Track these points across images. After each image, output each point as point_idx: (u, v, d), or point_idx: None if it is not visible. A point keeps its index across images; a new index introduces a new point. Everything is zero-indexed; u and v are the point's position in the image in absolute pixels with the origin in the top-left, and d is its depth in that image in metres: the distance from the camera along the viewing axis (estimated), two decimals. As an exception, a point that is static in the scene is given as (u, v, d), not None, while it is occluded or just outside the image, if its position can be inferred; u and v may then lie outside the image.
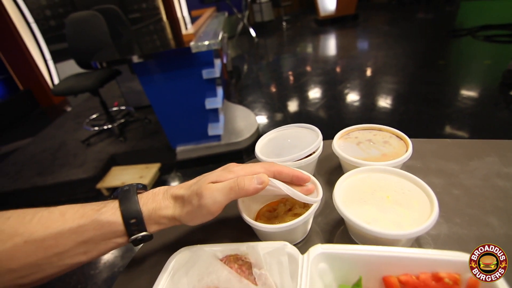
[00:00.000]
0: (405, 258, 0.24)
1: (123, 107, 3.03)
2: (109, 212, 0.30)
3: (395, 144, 0.40)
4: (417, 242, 0.31)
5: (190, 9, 5.47)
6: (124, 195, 0.31)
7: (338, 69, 3.69)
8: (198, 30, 2.03)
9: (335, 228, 0.35)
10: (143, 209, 0.31)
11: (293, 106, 2.89)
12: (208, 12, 3.23)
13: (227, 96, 3.25)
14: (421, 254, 0.24)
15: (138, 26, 4.74)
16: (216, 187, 0.30)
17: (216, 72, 1.73)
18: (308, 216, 0.31)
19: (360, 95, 2.85)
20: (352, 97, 2.82)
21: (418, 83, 2.90)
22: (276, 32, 6.51)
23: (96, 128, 2.66)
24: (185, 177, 2.04)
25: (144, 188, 0.35)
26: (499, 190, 0.35)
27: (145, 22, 4.92)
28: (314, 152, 0.41)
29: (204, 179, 0.31)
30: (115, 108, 3.03)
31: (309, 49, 5.03)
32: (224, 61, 3.51)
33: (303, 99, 2.97)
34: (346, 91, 2.96)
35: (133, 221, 0.30)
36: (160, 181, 2.02)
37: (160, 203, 0.32)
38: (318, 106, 2.77)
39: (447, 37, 4.22)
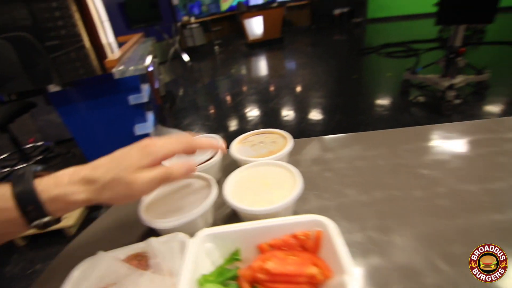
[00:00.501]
0: (272, 226, 0.30)
1: (40, 143, 2.73)
2: (4, 199, 0.27)
3: (280, 143, 0.48)
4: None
5: (116, 35, 5.31)
6: (18, 180, 0.28)
7: (269, 88, 3.94)
8: (123, 55, 2.00)
9: (232, 217, 0.40)
10: (43, 196, 0.28)
11: (229, 125, 2.98)
12: (135, 37, 3.19)
13: (162, 121, 3.19)
14: (283, 221, 0.30)
15: (57, 54, 4.39)
16: (147, 177, 0.30)
17: (144, 97, 1.71)
18: (204, 209, 0.36)
19: (290, 109, 3.09)
20: (284, 112, 3.03)
21: (338, 96, 3.27)
22: (209, 56, 6.69)
23: (6, 169, 2.33)
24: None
25: (46, 170, 0.33)
26: (358, 169, 0.45)
27: (65, 50, 4.59)
28: (212, 157, 0.46)
29: (125, 165, 0.31)
30: (30, 145, 2.71)
31: (242, 70, 5.27)
32: (156, 86, 3.46)
33: (239, 118, 3.08)
34: (277, 107, 3.17)
35: (30, 208, 0.28)
36: (89, 219, 1.86)
37: (66, 188, 0.29)
38: (253, 123, 2.90)
39: (357, 55, 4.88)
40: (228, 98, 3.81)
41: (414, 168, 0.42)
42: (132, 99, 1.69)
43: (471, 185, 0.38)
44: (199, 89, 4.49)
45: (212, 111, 3.45)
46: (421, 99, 2.91)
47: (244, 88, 4.07)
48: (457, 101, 2.60)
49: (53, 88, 1.51)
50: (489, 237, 0.30)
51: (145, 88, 1.82)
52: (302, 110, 3.03)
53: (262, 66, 5.54)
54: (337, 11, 7.67)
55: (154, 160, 0.32)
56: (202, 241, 0.30)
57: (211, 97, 3.96)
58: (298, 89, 3.74)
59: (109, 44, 4.17)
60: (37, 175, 0.29)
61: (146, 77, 2.02)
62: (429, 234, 0.32)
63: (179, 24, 6.31)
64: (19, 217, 0.27)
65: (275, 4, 7.29)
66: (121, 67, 1.60)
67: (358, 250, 0.31)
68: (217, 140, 0.43)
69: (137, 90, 1.69)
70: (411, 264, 0.29)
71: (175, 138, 0.35)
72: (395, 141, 0.50)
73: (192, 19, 6.86)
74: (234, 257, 0.29)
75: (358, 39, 6.57)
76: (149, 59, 1.79)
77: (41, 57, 2.77)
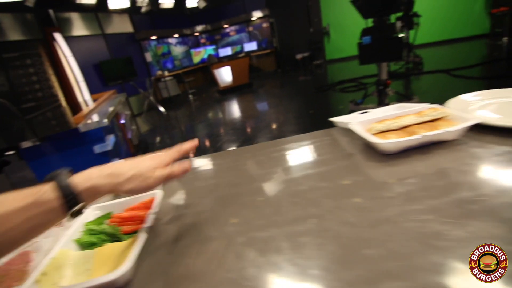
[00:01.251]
0: (131, 199, 0.55)
1: (16, 198, 2.84)
2: (48, 193, 0.34)
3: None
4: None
5: (93, 92, 5.67)
6: (58, 177, 0.36)
7: (245, 128, 4.28)
8: (91, 112, 2.28)
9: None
10: (79, 187, 0.36)
11: None
12: (105, 95, 3.52)
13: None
14: (137, 197, 0.55)
15: (33, 114, 4.64)
16: (158, 174, 0.41)
17: (109, 145, 1.96)
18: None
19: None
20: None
21: (297, 131, 3.64)
22: (185, 104, 7.13)
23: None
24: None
25: (71, 171, 0.40)
26: (209, 176, 0.71)
27: (41, 110, 4.87)
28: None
29: (143, 166, 0.41)
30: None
31: (217, 114, 5.68)
32: (129, 136, 3.73)
33: None
34: (248, 144, 3.48)
35: (70, 197, 0.35)
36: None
37: (96, 181, 0.38)
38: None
39: (316, 93, 5.42)
40: (203, 140, 4.10)
41: (244, 171, 0.69)
42: (98, 148, 1.93)
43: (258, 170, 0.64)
44: (177, 135, 4.79)
45: (191, 155, 3.69)
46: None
47: (217, 130, 4.41)
48: (392, 125, 3.00)
49: (25, 144, 1.74)
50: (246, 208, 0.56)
51: (110, 138, 2.08)
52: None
53: (235, 109, 5.97)
54: (299, 56, 8.51)
55: (162, 163, 0.44)
56: (92, 210, 0.54)
57: (186, 141, 4.25)
58: (269, 126, 4.11)
59: (85, 102, 4.49)
60: (68, 173, 0.38)
61: (111, 128, 2.28)
62: (224, 203, 0.57)
63: (152, 78, 6.82)
64: (60, 205, 0.35)
65: (242, 54, 8.05)
66: (86, 123, 1.86)
67: (186, 216, 0.56)
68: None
69: (102, 140, 1.95)
70: (209, 220, 0.54)
71: (172, 151, 0.48)
72: (239, 156, 0.78)
73: (166, 73, 7.41)
74: (107, 215, 0.54)
75: (320, 78, 7.25)
76: (112, 114, 2.08)
77: (16, 119, 3.01)
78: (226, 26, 8.90)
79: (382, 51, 2.61)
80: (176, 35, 8.28)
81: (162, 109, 6.32)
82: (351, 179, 0.52)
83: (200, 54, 8.91)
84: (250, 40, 8.86)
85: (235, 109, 5.90)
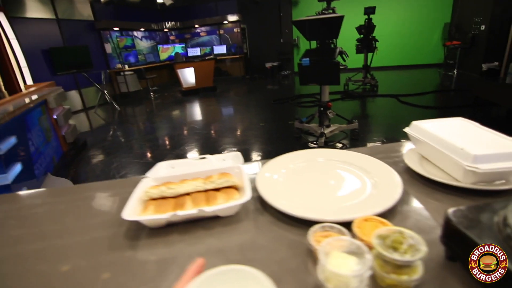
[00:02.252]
0: None
1: None
2: None
3: None
4: None
5: (38, 80, 5.26)
6: None
7: (194, 134, 4.12)
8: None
9: None
10: None
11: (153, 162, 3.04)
12: (36, 86, 3.24)
13: (63, 168, 3.14)
14: None
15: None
16: None
17: (1, 149, 1.76)
18: None
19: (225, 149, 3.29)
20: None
21: (241, 143, 3.59)
22: (144, 102, 6.83)
23: None
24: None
25: None
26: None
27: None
28: None
29: None
30: None
31: (173, 116, 5.48)
32: (63, 133, 3.46)
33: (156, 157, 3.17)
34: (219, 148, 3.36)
35: None
36: None
37: None
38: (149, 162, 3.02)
39: (273, 104, 5.42)
40: (166, 141, 3.92)
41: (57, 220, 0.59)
42: (-16, 151, 1.72)
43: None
44: (126, 133, 4.55)
45: (149, 155, 3.48)
46: (310, 144, 3.30)
47: (181, 131, 4.24)
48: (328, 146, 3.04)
49: None
50: None
51: (9, 140, 1.87)
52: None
53: (189, 111, 5.81)
54: (268, 64, 8.53)
55: None
56: None
57: (145, 141, 4.02)
58: (212, 135, 4.01)
59: (28, 89, 4.14)
60: None
61: (13, 129, 2.05)
62: None
63: (110, 71, 6.47)
64: None
65: (211, 56, 7.90)
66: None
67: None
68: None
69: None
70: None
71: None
72: (89, 192, 0.68)
73: (126, 67, 7.09)
74: None
75: (286, 88, 7.30)
76: (13, 113, 1.87)
77: None
78: (197, 26, 8.72)
79: (320, 74, 2.63)
80: (142, 29, 7.97)
81: (115, 104, 6.01)
82: (74, 264, 0.44)
83: (168, 51, 8.65)
84: (220, 43, 8.75)
85: (192, 112, 5.75)
